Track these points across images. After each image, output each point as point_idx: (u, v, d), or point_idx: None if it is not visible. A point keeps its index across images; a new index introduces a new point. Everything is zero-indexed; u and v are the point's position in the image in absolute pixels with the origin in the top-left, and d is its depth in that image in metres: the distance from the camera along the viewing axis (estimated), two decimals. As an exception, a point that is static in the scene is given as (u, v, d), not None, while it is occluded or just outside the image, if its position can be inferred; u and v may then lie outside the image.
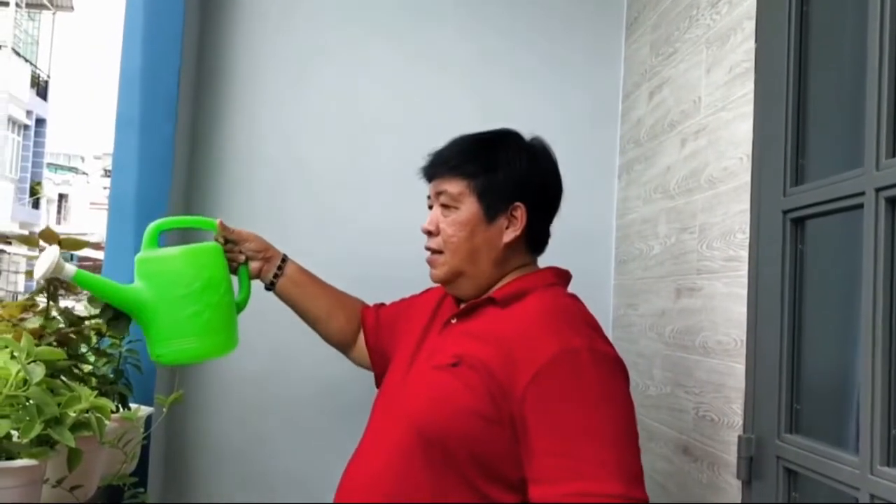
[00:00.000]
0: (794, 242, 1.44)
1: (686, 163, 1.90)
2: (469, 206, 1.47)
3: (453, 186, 1.49)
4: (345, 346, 1.80)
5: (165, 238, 1.60)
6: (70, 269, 1.40)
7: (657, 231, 2.06)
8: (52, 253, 1.36)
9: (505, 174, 1.47)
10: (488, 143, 1.51)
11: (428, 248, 1.54)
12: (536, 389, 1.29)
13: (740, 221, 1.61)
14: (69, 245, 1.63)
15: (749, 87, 1.60)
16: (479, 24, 2.41)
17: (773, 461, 1.44)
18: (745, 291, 1.57)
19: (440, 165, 1.52)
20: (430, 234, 1.53)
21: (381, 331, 1.75)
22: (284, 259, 1.73)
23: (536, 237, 1.53)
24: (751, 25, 1.61)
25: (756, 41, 1.59)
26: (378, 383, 1.75)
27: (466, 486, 1.33)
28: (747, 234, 1.57)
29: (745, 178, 1.59)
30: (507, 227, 1.48)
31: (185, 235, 1.82)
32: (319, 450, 2.22)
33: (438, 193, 1.51)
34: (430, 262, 1.54)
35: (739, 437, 1.53)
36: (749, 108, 1.60)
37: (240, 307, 1.63)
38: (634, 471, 1.26)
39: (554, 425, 1.28)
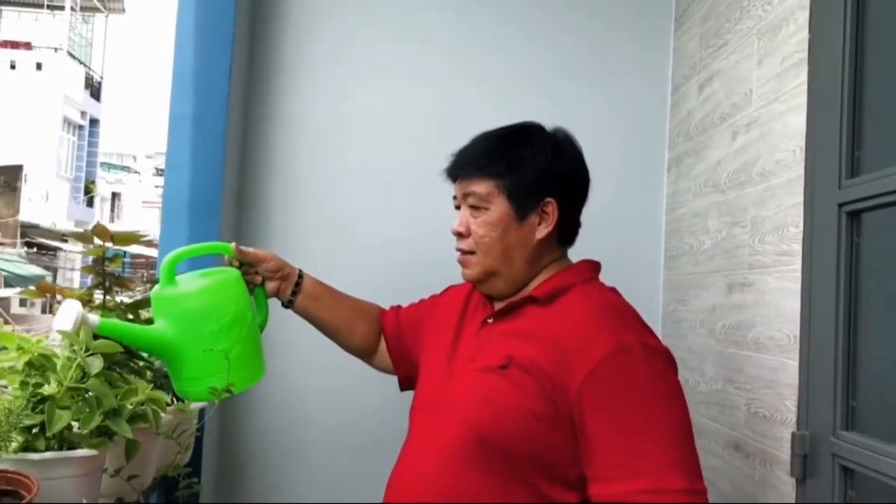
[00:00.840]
0: (850, 236, 1.41)
1: (737, 156, 1.87)
2: (499, 206, 1.44)
3: (481, 187, 1.45)
4: (366, 354, 1.78)
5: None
6: (94, 319, 1.35)
7: (707, 225, 2.04)
8: (75, 308, 1.31)
9: (532, 170, 1.44)
10: (512, 139, 1.48)
11: (459, 250, 1.51)
12: (592, 387, 1.28)
13: (793, 215, 1.58)
14: (122, 240, 1.67)
15: (802, 78, 1.57)
16: (528, 19, 2.41)
17: (829, 459, 1.42)
18: (798, 286, 1.54)
19: (465, 166, 1.49)
20: (460, 235, 1.50)
21: (402, 334, 1.73)
22: (301, 275, 1.69)
23: (568, 230, 1.50)
24: (804, 15, 1.58)
25: (810, 31, 1.55)
26: (403, 386, 1.75)
27: (524, 485, 1.33)
28: (801, 228, 1.54)
29: (799, 170, 1.57)
30: (539, 224, 1.45)
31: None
32: (373, 445, 2.22)
33: (466, 195, 1.48)
34: (463, 263, 1.51)
35: (793, 433, 1.51)
36: (802, 100, 1.57)
37: (260, 328, 1.59)
38: (694, 464, 1.26)
39: (612, 423, 1.27)
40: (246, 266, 1.61)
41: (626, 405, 1.27)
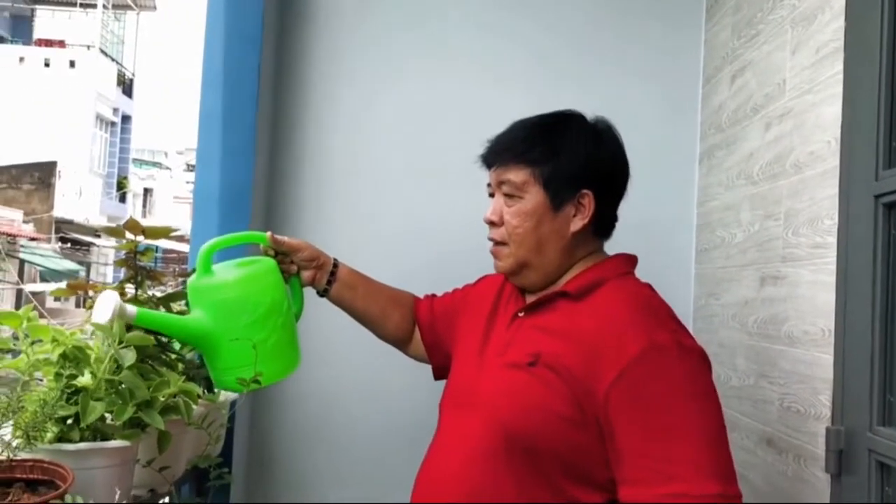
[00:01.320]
0: (887, 227, 1.39)
1: (770, 147, 1.85)
2: (534, 196, 1.40)
3: (517, 175, 1.41)
4: (401, 343, 1.77)
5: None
6: (131, 310, 1.35)
7: (740, 218, 2.01)
8: (112, 299, 1.32)
9: (570, 160, 1.39)
10: (551, 127, 1.43)
11: (491, 239, 1.47)
12: (624, 388, 1.25)
13: (828, 207, 1.55)
14: (154, 234, 1.68)
15: (838, 67, 1.54)
16: (556, 11, 2.39)
17: (865, 454, 1.39)
18: (832, 279, 1.52)
19: (501, 153, 1.44)
20: (492, 224, 1.45)
21: (436, 324, 1.71)
22: (336, 264, 1.68)
23: (604, 223, 1.46)
24: (839, 4, 1.55)
25: (846, 19, 1.53)
26: (436, 375, 1.73)
27: (550, 486, 1.30)
28: (835, 221, 1.52)
29: (834, 162, 1.54)
30: (574, 216, 1.41)
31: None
32: (405, 440, 2.22)
33: (501, 182, 1.43)
34: (495, 254, 1.47)
35: (828, 429, 1.49)
36: (837, 90, 1.54)
37: (295, 319, 1.58)
38: (728, 468, 1.22)
39: (644, 425, 1.24)
40: (281, 255, 1.60)
41: (658, 405, 1.24)
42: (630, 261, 1.48)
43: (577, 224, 1.41)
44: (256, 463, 2.30)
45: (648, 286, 1.43)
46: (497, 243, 1.45)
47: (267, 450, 2.32)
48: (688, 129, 2.38)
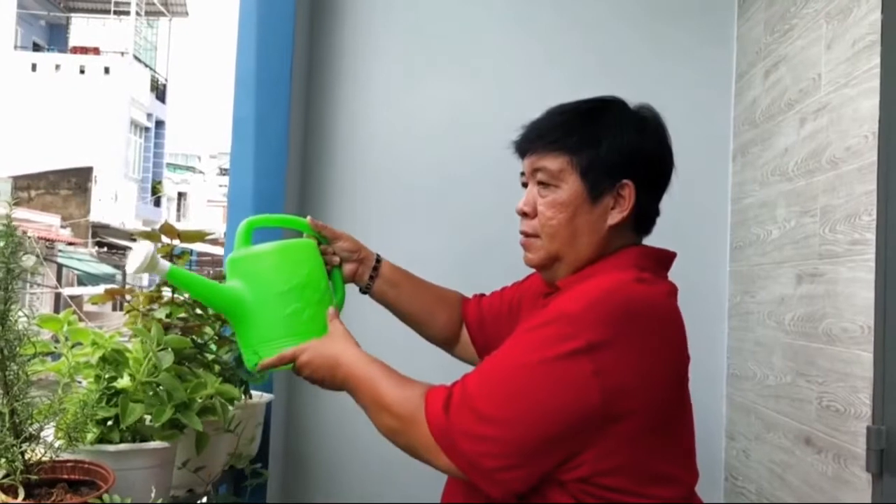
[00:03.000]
0: (927, 223, 1.36)
1: (806, 143, 1.82)
2: (571, 185, 1.29)
3: (553, 163, 1.30)
4: (447, 343, 1.68)
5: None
6: (164, 264, 1.32)
7: (775, 215, 1.99)
8: (145, 248, 1.28)
9: (611, 148, 1.29)
10: (591, 112, 1.34)
11: (522, 233, 1.37)
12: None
13: (866, 203, 1.53)
14: (189, 238, 1.71)
15: (875, 61, 1.52)
16: (589, 6, 2.38)
17: (906, 454, 1.37)
18: (871, 276, 1.49)
19: (537, 139, 1.34)
20: (524, 215, 1.36)
21: (486, 327, 1.62)
22: (378, 259, 1.60)
23: (644, 217, 1.34)
24: (875, -4, 1.53)
25: (882, 12, 1.50)
26: None
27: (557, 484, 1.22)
28: (874, 217, 1.50)
29: (871, 157, 1.52)
30: (612, 208, 1.30)
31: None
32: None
33: (535, 171, 1.33)
34: (525, 246, 1.37)
35: (868, 428, 1.47)
36: (875, 84, 1.52)
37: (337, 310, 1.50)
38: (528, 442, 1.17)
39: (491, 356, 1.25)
40: (323, 244, 1.53)
41: (514, 350, 1.21)
42: (645, 255, 1.33)
43: (615, 217, 1.30)
44: (292, 462, 2.32)
45: (649, 284, 1.25)
46: (528, 235, 1.36)
47: (302, 449, 2.33)
48: (721, 125, 2.36)
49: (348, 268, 1.57)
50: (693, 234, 2.31)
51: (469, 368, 1.60)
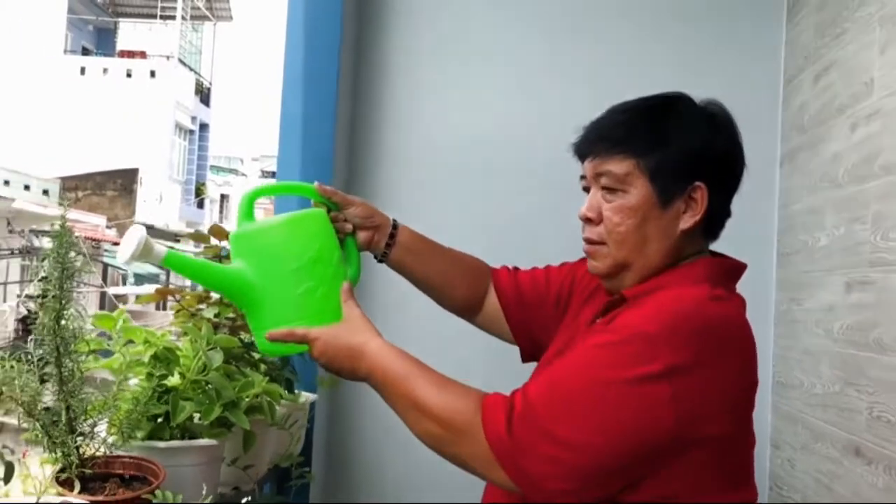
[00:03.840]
0: (984, 231, 1.33)
1: (857, 149, 1.79)
2: (640, 189, 1.22)
3: (619, 166, 1.22)
4: (468, 312, 1.58)
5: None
6: (160, 249, 1.21)
7: (824, 222, 1.96)
8: (136, 233, 1.18)
9: (680, 148, 1.22)
10: (657, 111, 1.26)
11: (587, 240, 1.29)
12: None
13: (920, 210, 1.50)
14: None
15: (930, 65, 1.49)
16: (635, 8, 2.38)
17: (960, 467, 1.34)
18: (925, 285, 1.47)
19: (600, 142, 1.26)
20: (589, 221, 1.28)
21: (527, 306, 1.51)
22: (395, 225, 1.49)
23: (715, 221, 1.27)
24: (931, -1, 1.50)
25: (938, 16, 1.48)
26: (526, 357, 1.56)
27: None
28: (928, 224, 1.47)
29: (926, 163, 1.49)
30: (684, 212, 1.22)
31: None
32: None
33: (599, 175, 1.25)
34: (590, 254, 1.29)
35: (920, 439, 1.44)
36: (930, 89, 1.49)
37: (352, 284, 1.37)
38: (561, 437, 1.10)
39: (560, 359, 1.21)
40: (334, 212, 1.42)
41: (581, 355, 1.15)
42: (715, 267, 1.26)
43: (687, 222, 1.23)
44: (335, 463, 2.34)
45: (725, 302, 1.20)
46: (593, 242, 1.28)
47: (345, 450, 2.35)
48: (769, 130, 2.33)
49: (363, 235, 1.45)
50: (739, 241, 2.24)
51: (488, 339, 1.61)
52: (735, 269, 1.29)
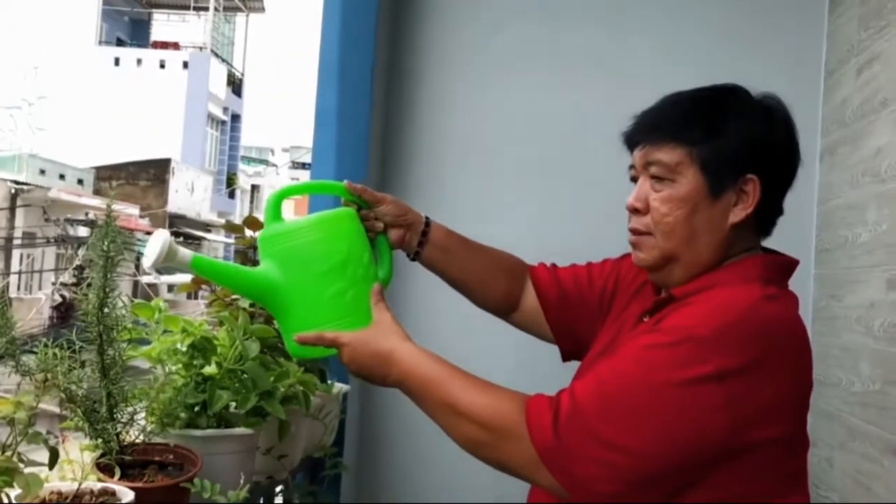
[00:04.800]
0: None
1: (901, 143, 1.76)
2: (690, 179, 1.18)
3: (669, 155, 1.19)
4: (504, 311, 1.55)
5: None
6: (185, 253, 1.20)
7: (865, 217, 1.93)
8: (161, 237, 1.17)
9: (734, 139, 1.18)
10: (712, 101, 1.23)
11: (633, 230, 1.26)
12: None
13: (967, 206, 1.47)
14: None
15: (979, 58, 1.46)
16: (674, 1, 2.35)
17: None
18: (972, 283, 1.43)
19: (652, 130, 1.23)
20: (636, 211, 1.24)
21: (569, 304, 1.48)
22: (427, 223, 1.46)
23: (768, 216, 1.24)
24: (982, -10, 1.46)
25: None
26: (566, 356, 1.52)
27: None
28: (975, 220, 1.44)
29: (974, 158, 1.45)
30: (735, 205, 1.19)
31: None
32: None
33: (648, 164, 1.22)
34: (636, 245, 1.25)
35: (964, 440, 1.41)
36: (979, 82, 1.45)
37: (383, 285, 1.35)
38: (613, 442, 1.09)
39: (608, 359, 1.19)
40: (364, 210, 1.39)
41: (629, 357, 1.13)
42: (769, 264, 1.23)
43: (738, 215, 1.19)
44: (367, 454, 2.35)
45: (780, 300, 1.18)
46: (639, 233, 1.24)
47: (377, 441, 2.35)
48: (809, 124, 2.29)
49: (394, 234, 1.42)
50: (777, 236, 2.22)
51: (527, 338, 1.57)
52: (788, 266, 1.26)
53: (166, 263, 1.17)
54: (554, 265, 1.54)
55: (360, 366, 1.24)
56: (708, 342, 1.06)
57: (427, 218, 1.46)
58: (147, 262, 1.17)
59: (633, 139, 1.26)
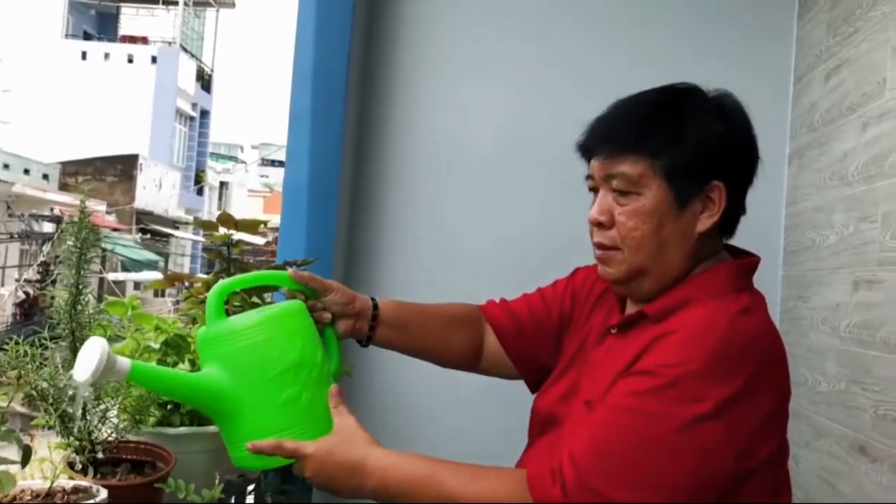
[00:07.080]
0: None
1: (867, 148, 1.79)
2: (655, 192, 1.14)
3: (632, 168, 1.15)
4: (470, 364, 1.49)
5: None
6: (123, 363, 1.07)
7: (832, 220, 1.96)
8: (97, 348, 1.03)
9: (696, 146, 1.15)
10: (669, 106, 1.19)
11: (598, 245, 1.21)
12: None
13: (931, 210, 1.50)
14: (245, 227, 1.72)
15: (944, 65, 1.49)
16: (643, 6, 2.37)
17: (967, 467, 1.35)
18: (935, 285, 1.47)
19: (610, 141, 1.18)
20: (599, 225, 1.19)
21: (526, 336, 1.43)
22: (375, 305, 1.37)
23: (732, 218, 1.22)
24: (947, -1, 1.50)
25: (954, 16, 1.47)
26: (534, 388, 1.45)
27: None
28: (939, 224, 1.47)
29: (938, 163, 1.49)
30: (702, 213, 1.17)
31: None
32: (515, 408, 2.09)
33: (609, 176, 1.17)
34: (603, 260, 1.21)
35: (927, 439, 1.44)
36: (944, 89, 1.49)
37: (333, 379, 1.28)
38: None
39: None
40: (311, 301, 1.31)
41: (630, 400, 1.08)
42: (737, 271, 1.22)
43: (706, 223, 1.17)
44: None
45: (750, 310, 1.16)
46: (606, 248, 1.20)
47: (375, 424, 2.32)
48: (778, 127, 2.32)
49: (343, 324, 1.33)
50: (746, 237, 2.25)
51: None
52: (751, 266, 1.26)
53: (104, 378, 1.05)
54: (503, 299, 1.50)
55: (328, 478, 1.17)
56: (700, 377, 1.05)
57: (374, 299, 1.39)
58: (82, 375, 1.03)
59: (589, 149, 1.22)
